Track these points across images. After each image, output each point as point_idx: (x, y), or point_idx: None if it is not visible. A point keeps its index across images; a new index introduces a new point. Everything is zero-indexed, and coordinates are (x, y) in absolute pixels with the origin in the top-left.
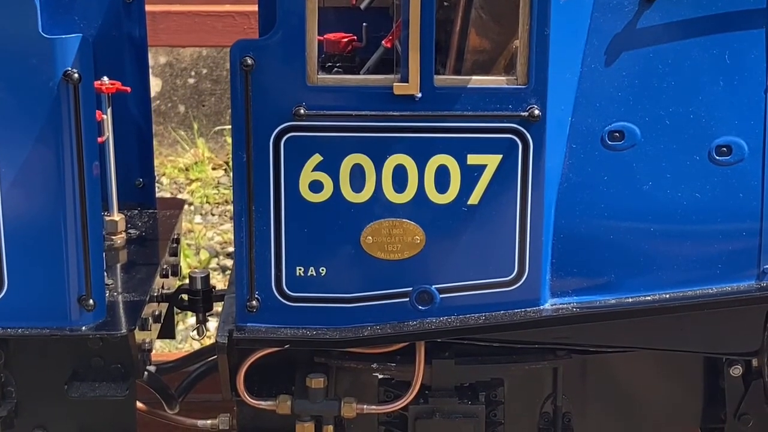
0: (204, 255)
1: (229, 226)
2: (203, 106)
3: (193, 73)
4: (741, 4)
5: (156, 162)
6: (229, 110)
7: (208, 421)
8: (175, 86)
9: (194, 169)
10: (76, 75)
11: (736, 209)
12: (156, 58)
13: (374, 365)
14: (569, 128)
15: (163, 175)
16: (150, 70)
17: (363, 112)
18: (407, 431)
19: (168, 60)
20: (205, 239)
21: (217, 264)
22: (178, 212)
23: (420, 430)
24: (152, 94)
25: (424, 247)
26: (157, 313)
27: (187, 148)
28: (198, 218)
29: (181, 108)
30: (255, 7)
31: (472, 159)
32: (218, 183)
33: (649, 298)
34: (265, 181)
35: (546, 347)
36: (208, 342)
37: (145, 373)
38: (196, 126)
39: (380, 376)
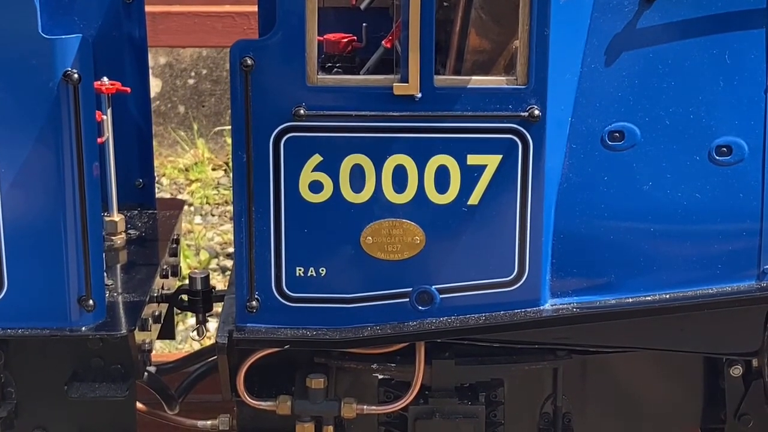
0: (204, 256)
1: (229, 226)
2: (203, 106)
3: (193, 74)
4: (741, 5)
5: (156, 163)
6: (229, 111)
7: (208, 422)
8: (175, 87)
9: (194, 170)
10: (76, 75)
11: (736, 209)
12: (156, 58)
13: (374, 366)
14: (569, 128)
15: (163, 175)
16: (150, 71)
17: (363, 113)
18: None
19: (168, 60)
20: (205, 240)
21: (217, 265)
22: (177, 213)
23: (420, 430)
24: (152, 94)
25: (424, 248)
26: (157, 313)
27: (187, 149)
28: (198, 219)
29: (181, 108)
30: (255, 8)
31: (472, 159)
32: (218, 183)
33: (649, 298)
34: (264, 182)
35: (546, 347)
36: (208, 342)
37: (145, 373)
38: (195, 126)
39: (380, 377)
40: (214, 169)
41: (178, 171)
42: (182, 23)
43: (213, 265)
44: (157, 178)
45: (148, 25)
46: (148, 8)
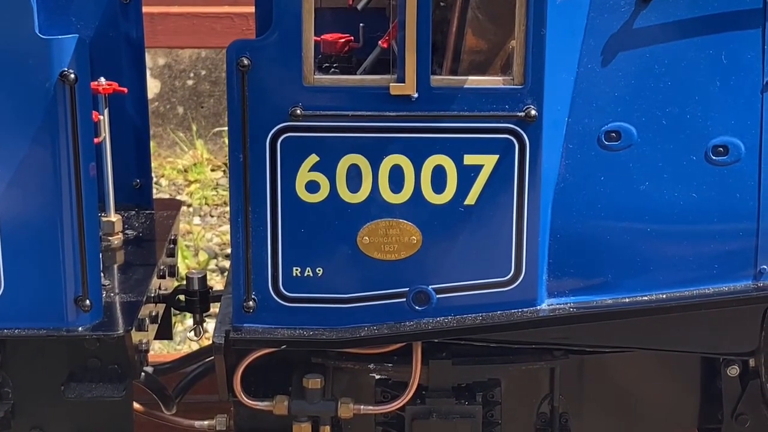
0: (203, 256)
1: (227, 227)
2: (202, 107)
3: (191, 75)
4: (737, 4)
5: (155, 164)
6: None
7: (206, 422)
8: (174, 88)
9: (193, 171)
10: (73, 75)
11: (733, 209)
12: (155, 59)
13: (371, 366)
14: (566, 128)
15: (162, 176)
16: (148, 72)
17: (359, 113)
18: None
19: (167, 61)
20: (204, 241)
21: (216, 265)
22: (175, 213)
23: (417, 430)
24: (151, 95)
25: (420, 248)
26: (154, 313)
27: (186, 150)
28: (197, 220)
29: (180, 109)
30: (253, 9)
31: (469, 159)
32: (217, 184)
33: (645, 298)
34: (261, 182)
35: (543, 347)
36: (205, 343)
37: (143, 373)
38: (194, 127)
39: (377, 377)
40: (213, 170)
41: (177, 172)
42: (181, 24)
43: (212, 265)
44: (156, 179)
45: (147, 26)
46: (146, 9)
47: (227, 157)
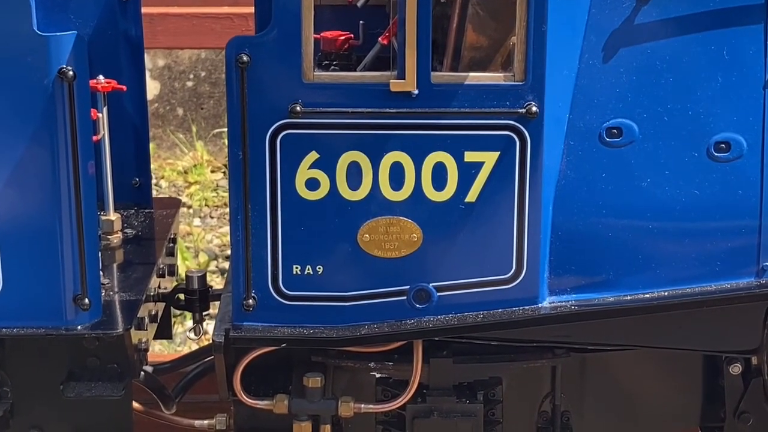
0: (203, 258)
1: (227, 228)
2: (202, 108)
3: (191, 76)
4: (739, 0)
5: (155, 165)
6: None
7: (205, 422)
8: (174, 89)
9: (193, 172)
10: (71, 73)
11: (735, 206)
12: (154, 60)
13: (372, 364)
14: (567, 125)
15: (162, 178)
16: (148, 73)
17: (360, 110)
18: (405, 431)
19: (166, 63)
20: (204, 242)
21: (216, 267)
22: (174, 212)
23: (418, 429)
24: (151, 97)
25: (421, 245)
26: (153, 312)
27: (186, 151)
28: (197, 221)
29: (180, 111)
30: (253, 9)
31: (470, 156)
32: (217, 186)
33: (647, 295)
34: (261, 179)
35: (544, 345)
36: (205, 342)
37: (142, 373)
38: (194, 129)
39: (378, 375)
40: (213, 171)
41: (177, 173)
42: (180, 25)
43: (212, 267)
44: (156, 181)
45: (146, 27)
46: (145, 10)
47: (227, 158)
